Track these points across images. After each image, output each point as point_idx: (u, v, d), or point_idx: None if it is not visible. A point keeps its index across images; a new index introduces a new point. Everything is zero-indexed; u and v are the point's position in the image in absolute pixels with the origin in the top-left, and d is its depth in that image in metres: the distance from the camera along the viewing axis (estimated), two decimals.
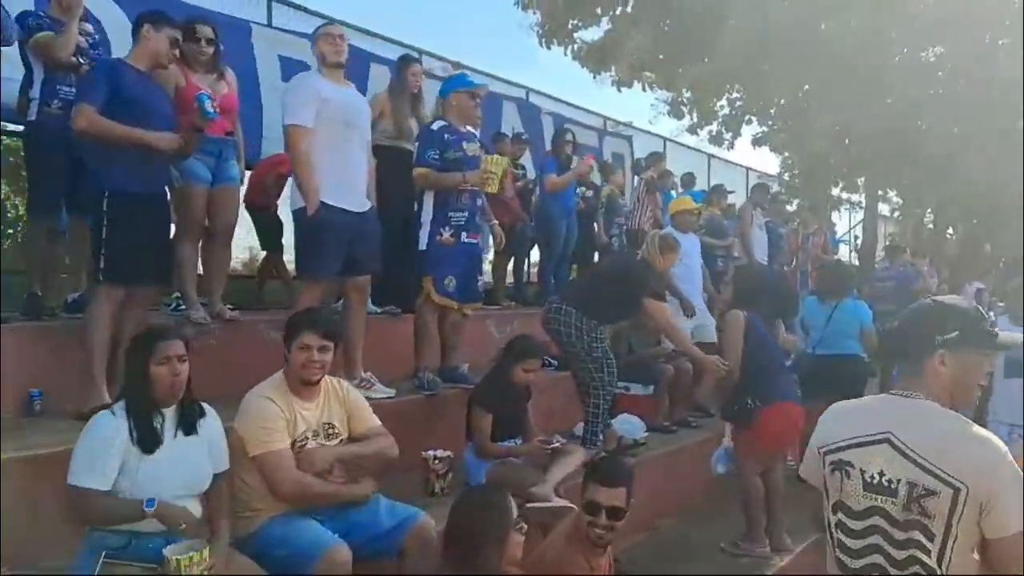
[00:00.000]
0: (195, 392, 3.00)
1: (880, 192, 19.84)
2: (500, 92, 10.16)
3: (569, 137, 7.72)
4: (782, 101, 17.93)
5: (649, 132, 14.85)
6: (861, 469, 2.07)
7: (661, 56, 13.60)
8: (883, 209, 21.25)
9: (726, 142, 18.58)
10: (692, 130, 18.41)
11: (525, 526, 2.82)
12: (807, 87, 14.11)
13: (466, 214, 5.10)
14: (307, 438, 3.25)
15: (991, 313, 9.63)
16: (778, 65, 14.20)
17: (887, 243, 15.73)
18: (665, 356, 6.84)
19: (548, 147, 9.86)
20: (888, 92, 15.38)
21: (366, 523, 3.23)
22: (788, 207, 10.45)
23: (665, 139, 13.97)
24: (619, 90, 15.65)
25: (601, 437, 5.26)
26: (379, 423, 3.51)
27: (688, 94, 17.26)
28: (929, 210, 19.79)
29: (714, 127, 18.35)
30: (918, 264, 12.37)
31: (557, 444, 4.59)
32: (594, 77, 15.47)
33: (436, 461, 4.47)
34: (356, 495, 3.26)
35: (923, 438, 1.99)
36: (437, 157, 5.01)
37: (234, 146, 5.07)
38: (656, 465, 5.79)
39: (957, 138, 16.69)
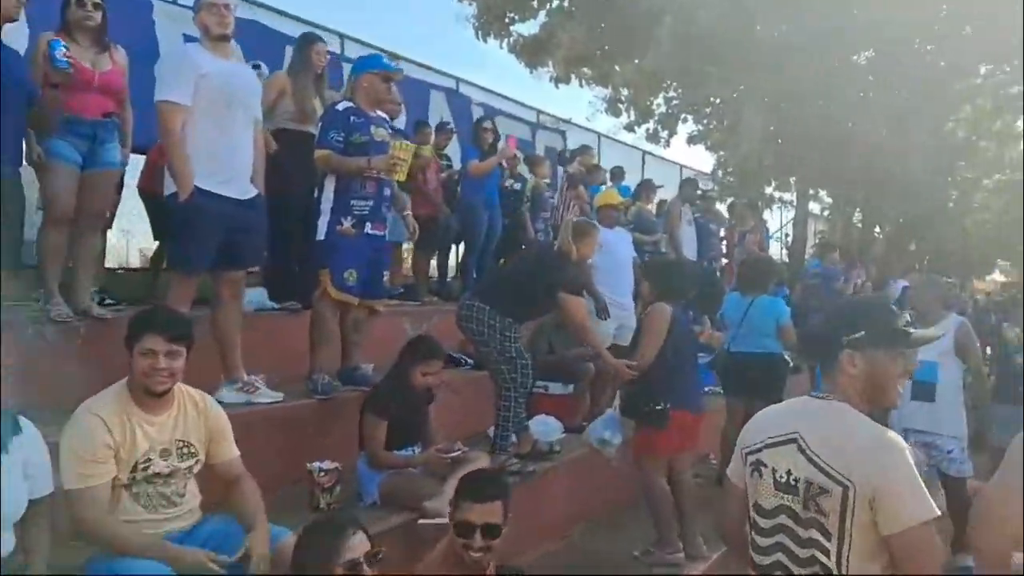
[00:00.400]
0: (50, 399, 2.51)
1: (811, 191, 20.04)
2: (428, 81, 9.72)
3: (489, 124, 7.33)
4: (717, 100, 17.99)
5: (587, 128, 14.54)
6: (772, 468, 2.09)
7: (597, 52, 13.29)
8: (814, 208, 21.47)
9: (662, 140, 18.61)
10: (630, 128, 18.33)
11: (380, 555, 2.43)
12: (741, 87, 13.92)
13: (370, 203, 4.66)
14: (151, 459, 2.78)
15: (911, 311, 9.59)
16: (712, 65, 14.12)
17: (817, 240, 15.71)
18: (589, 355, 6.49)
19: None
20: (820, 94, 15.45)
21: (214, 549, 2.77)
22: (719, 204, 10.22)
23: (600, 135, 13.64)
24: (556, 86, 15.41)
25: (514, 440, 4.89)
26: (238, 456, 3.06)
27: (626, 92, 17.21)
28: (858, 209, 20.06)
29: (651, 125, 18.38)
30: (840, 262, 12.26)
31: (458, 452, 4.19)
32: (531, 72, 15.16)
33: (322, 474, 4.04)
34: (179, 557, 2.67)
35: (823, 437, 2.01)
36: (341, 140, 4.57)
37: (115, 128, 4.53)
38: (573, 469, 5.45)
39: (885, 139, 16.93)
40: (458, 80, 10.21)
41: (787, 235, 18.96)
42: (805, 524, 2.00)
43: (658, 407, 4.57)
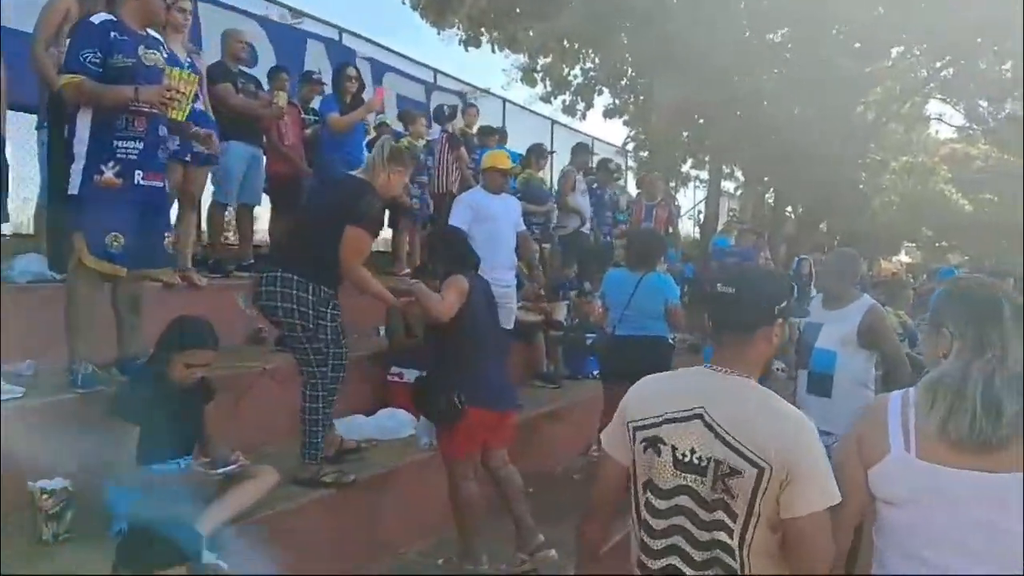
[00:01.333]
0: None
1: (725, 170, 19.52)
2: (304, 29, 8.50)
3: (353, 72, 6.18)
4: (632, 73, 17.19)
5: (499, 96, 13.44)
6: (673, 446, 1.90)
7: (505, 15, 12.21)
8: (728, 186, 20.98)
9: (579, 112, 17.75)
10: (546, 99, 17.41)
11: None
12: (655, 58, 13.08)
13: (141, 145, 3.54)
14: None
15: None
16: (625, 33, 13.28)
17: (729, 218, 15.05)
18: None
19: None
20: (733, 69, 14.79)
21: None
22: (616, 175, 9.31)
23: (505, 100, 12.59)
24: (466, 49, 14.31)
25: (323, 449, 3.86)
26: None
27: (542, 61, 16.27)
28: (771, 189, 19.66)
29: (567, 97, 17.49)
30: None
31: (235, 467, 3.16)
32: (438, 33, 14.00)
33: (45, 496, 2.96)
34: None
35: (733, 415, 1.86)
36: (97, 62, 3.43)
37: None
38: (411, 475, 4.45)
39: (798, 118, 16.42)
40: (341, 31, 9.01)
41: (700, 212, 18.35)
42: (710, 506, 1.84)
43: (451, 401, 3.65)
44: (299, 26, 8.36)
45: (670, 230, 7.46)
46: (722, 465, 1.82)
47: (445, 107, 7.03)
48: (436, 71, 10.35)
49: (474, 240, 5.28)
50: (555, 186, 8.30)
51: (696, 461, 1.86)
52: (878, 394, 3.98)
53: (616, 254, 7.11)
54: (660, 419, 1.93)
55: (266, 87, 6.42)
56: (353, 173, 3.99)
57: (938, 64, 18.75)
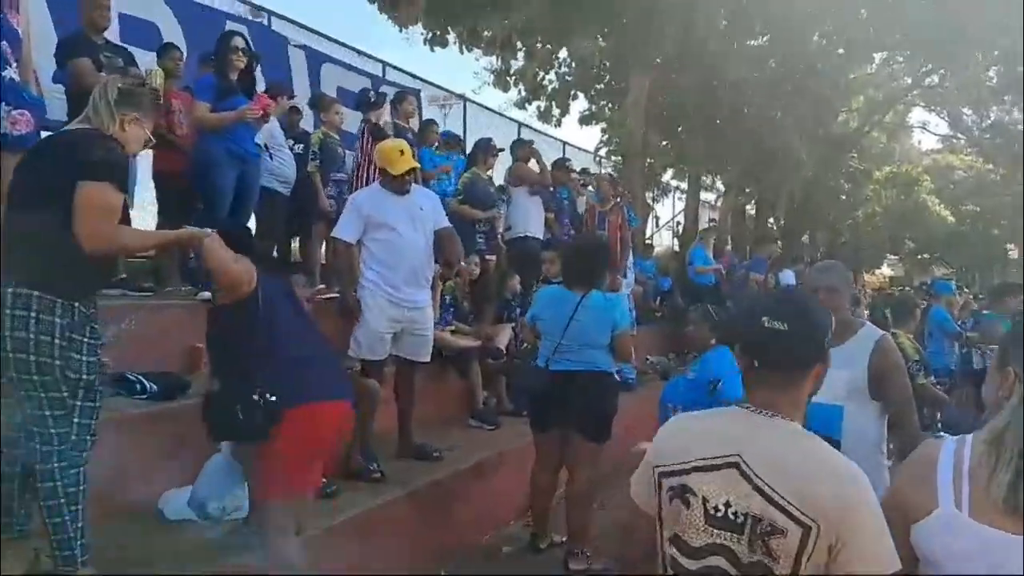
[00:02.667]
0: None
1: (705, 180, 18.44)
2: (223, 10, 7.28)
3: (240, 44, 4.83)
4: (608, 78, 16.08)
5: (474, 100, 12.22)
6: (703, 498, 1.60)
7: (460, 8, 11.01)
8: (708, 197, 19.88)
9: (554, 119, 16.64)
10: (520, 104, 16.31)
11: None
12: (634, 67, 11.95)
13: None
14: None
15: None
16: (600, 37, 12.18)
17: (708, 226, 13.85)
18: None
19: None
20: (715, 74, 13.72)
21: None
22: (583, 180, 8.08)
23: (465, 99, 11.34)
24: (432, 49, 13.12)
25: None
26: None
27: (516, 63, 15.17)
28: (753, 199, 18.63)
29: (542, 103, 16.39)
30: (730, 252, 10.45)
31: None
32: (400, 30, 12.78)
33: None
34: None
35: (775, 464, 1.55)
36: None
37: None
38: None
39: (779, 126, 15.38)
40: (270, 14, 7.77)
41: (679, 223, 17.25)
42: (746, 568, 1.54)
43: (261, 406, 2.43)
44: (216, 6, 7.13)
45: (627, 238, 6.24)
46: (761, 522, 1.53)
47: (370, 93, 5.75)
48: (385, 64, 9.10)
49: (369, 251, 4.09)
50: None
51: (731, 516, 1.58)
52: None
53: (543, 268, 5.88)
54: (689, 465, 1.65)
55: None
56: (69, 127, 2.71)
57: (921, 71, 17.82)
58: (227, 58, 4.78)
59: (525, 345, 5.64)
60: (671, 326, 9.43)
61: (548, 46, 12.68)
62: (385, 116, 5.76)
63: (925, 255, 28.69)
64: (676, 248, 15.41)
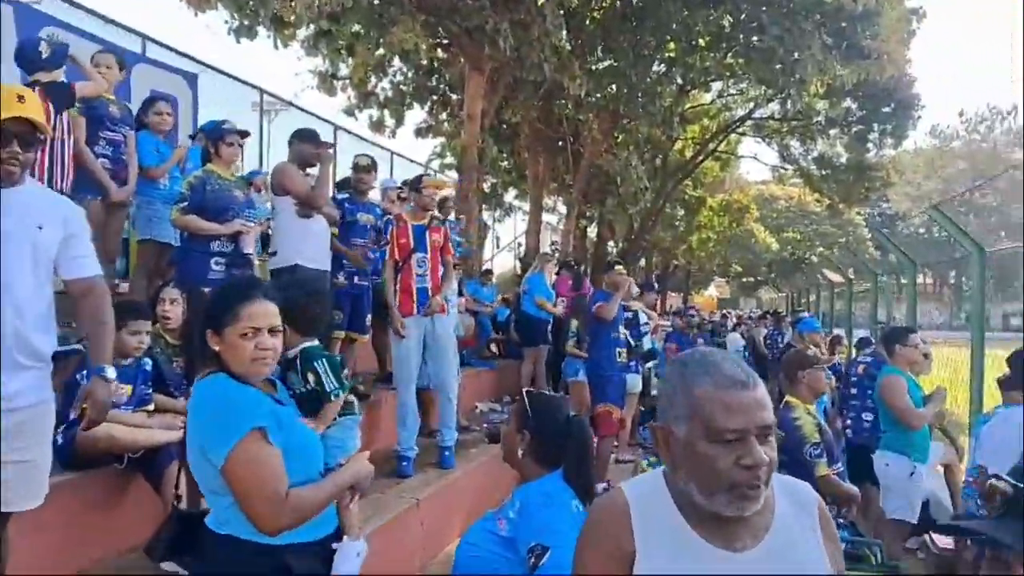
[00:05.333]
0: None
1: (548, 202, 17.36)
2: None
3: None
4: (445, 89, 14.57)
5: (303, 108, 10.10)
6: None
7: None
8: (551, 219, 18.81)
9: (387, 130, 14.85)
10: (350, 112, 14.39)
11: None
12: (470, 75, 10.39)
13: None
14: None
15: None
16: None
17: (550, 250, 12.52)
18: None
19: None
20: (558, 93, 12.52)
21: None
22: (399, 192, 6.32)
23: (293, 105, 9.29)
24: (238, 40, 10.90)
25: None
26: None
27: (345, 68, 13.25)
28: (594, 222, 17.74)
29: (374, 111, 14.56)
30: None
31: None
32: (196, 14, 10.46)
33: None
34: None
35: None
36: None
37: None
38: None
39: (622, 149, 14.50)
40: None
41: (520, 245, 15.90)
42: None
43: None
44: None
45: (449, 260, 4.50)
46: None
47: (42, 45, 3.71)
48: (145, 37, 6.89)
49: None
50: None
51: None
52: None
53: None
54: None
55: None
56: None
57: (752, 104, 17.71)
58: None
59: None
60: (507, 365, 7.86)
61: (369, 47, 10.81)
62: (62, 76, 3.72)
63: (750, 278, 29.37)
64: (518, 271, 13.98)
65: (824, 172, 17.82)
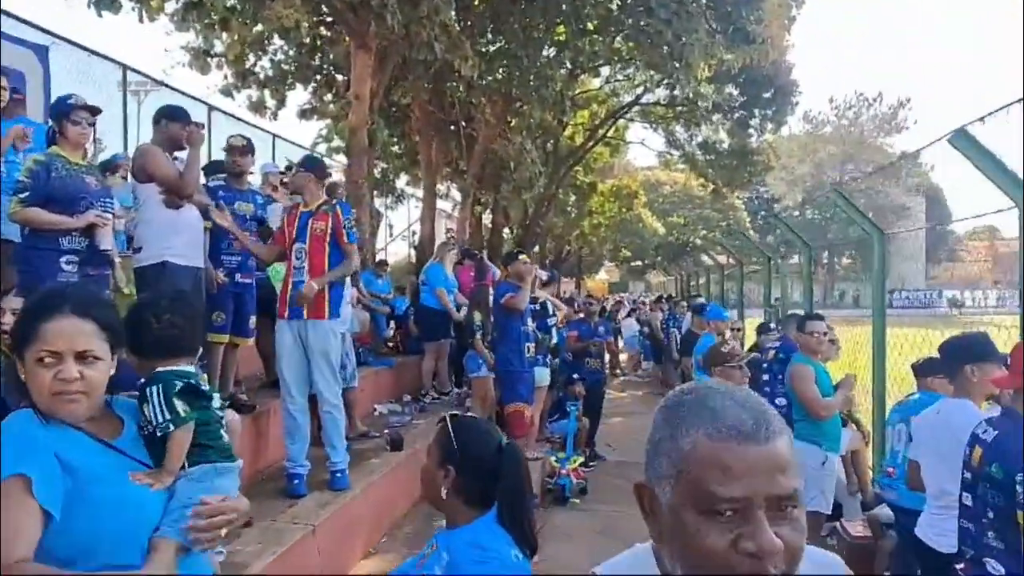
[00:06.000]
0: None
1: (441, 188, 16.88)
2: None
3: None
4: (330, 70, 13.80)
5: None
6: None
7: None
8: (445, 206, 18.37)
9: (268, 111, 13.91)
10: (227, 91, 13.32)
11: None
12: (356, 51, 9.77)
13: None
14: None
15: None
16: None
17: (445, 239, 12.11)
18: None
19: None
20: (450, 75, 12.09)
21: None
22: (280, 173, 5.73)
23: (140, 74, 8.38)
24: (99, 14, 9.79)
25: None
26: None
27: (221, 46, 12.25)
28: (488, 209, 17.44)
29: (254, 92, 13.59)
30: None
31: None
32: None
33: None
34: None
35: None
36: None
37: None
38: None
39: (514, 135, 14.26)
40: None
41: (415, 233, 15.43)
42: None
43: None
44: None
45: (348, 248, 4.01)
46: None
47: None
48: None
49: None
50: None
51: None
52: None
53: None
54: None
55: None
56: None
57: (639, 90, 17.91)
58: None
59: None
60: (407, 362, 7.44)
61: (246, 22, 10.01)
62: None
63: (638, 263, 30.00)
64: (413, 259, 13.52)
65: (708, 157, 18.26)
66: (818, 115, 46.51)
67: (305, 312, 3.90)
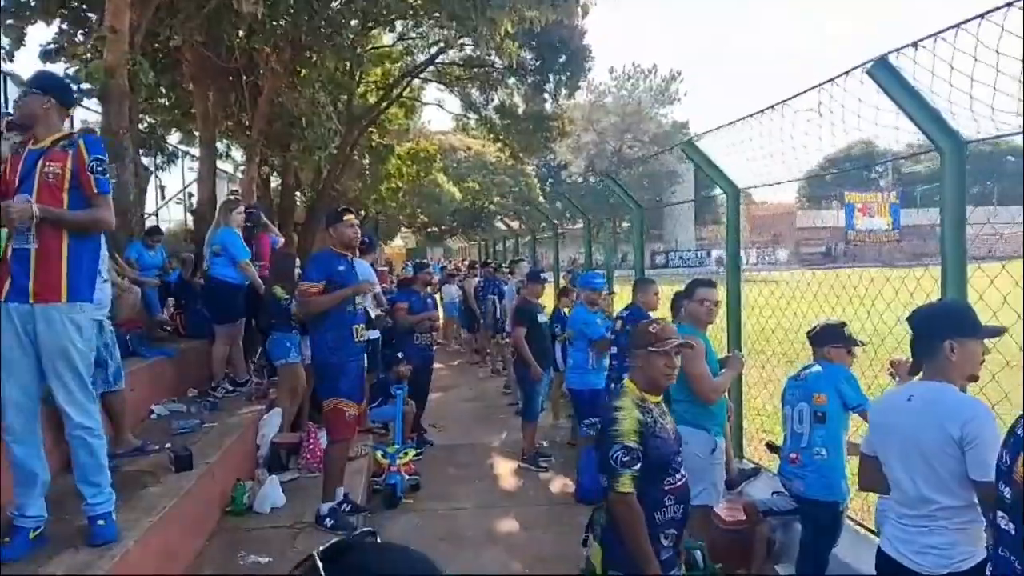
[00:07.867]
0: None
1: (221, 147, 14.81)
2: None
3: None
4: (78, 1, 11.30)
5: None
6: None
7: None
8: (227, 167, 16.23)
9: (2, 50, 11.15)
10: None
11: None
12: None
13: None
14: None
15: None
16: None
17: (228, 197, 10.41)
18: None
19: None
20: (228, 15, 10.31)
21: None
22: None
23: None
24: None
25: None
26: None
27: None
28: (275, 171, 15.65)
29: None
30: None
31: None
32: None
33: None
34: None
35: None
36: None
37: None
38: None
39: (303, 91, 12.72)
40: None
41: (191, 196, 13.42)
42: None
43: None
44: None
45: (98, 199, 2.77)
46: None
47: None
48: None
49: None
50: None
51: None
52: None
53: None
54: None
55: None
56: None
57: (434, 49, 16.97)
58: None
59: None
60: (192, 348, 6.06)
61: None
62: None
63: (434, 229, 29.23)
64: (190, 226, 11.65)
65: (505, 122, 17.83)
66: (599, 85, 48.64)
67: (31, 293, 2.64)
